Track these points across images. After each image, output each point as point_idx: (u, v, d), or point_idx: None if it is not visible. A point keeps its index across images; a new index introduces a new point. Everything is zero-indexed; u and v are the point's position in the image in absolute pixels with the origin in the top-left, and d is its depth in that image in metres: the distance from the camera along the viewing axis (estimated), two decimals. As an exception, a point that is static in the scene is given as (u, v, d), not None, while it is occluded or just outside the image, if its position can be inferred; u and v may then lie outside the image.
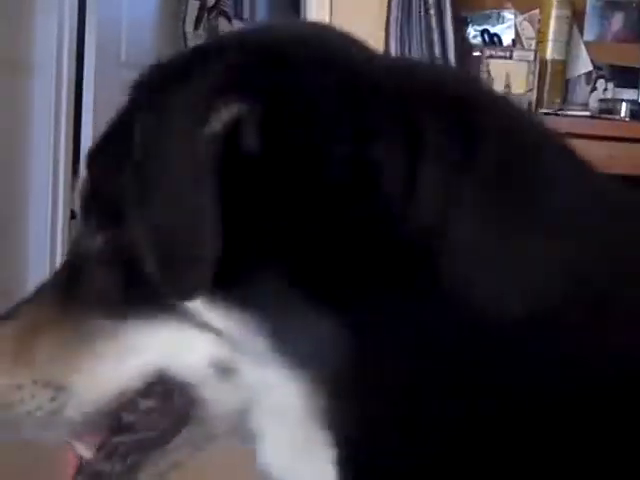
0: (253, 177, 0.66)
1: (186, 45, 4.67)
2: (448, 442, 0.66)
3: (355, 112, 0.66)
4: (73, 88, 3.90)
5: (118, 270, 0.74)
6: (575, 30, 3.32)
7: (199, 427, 0.77)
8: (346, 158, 0.65)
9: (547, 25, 3.24)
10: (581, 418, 0.64)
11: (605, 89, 3.37)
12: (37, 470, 2.21)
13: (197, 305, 0.68)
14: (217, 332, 0.69)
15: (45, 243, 3.90)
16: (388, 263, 0.65)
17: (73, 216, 3.98)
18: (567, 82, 3.35)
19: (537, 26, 3.29)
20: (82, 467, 0.82)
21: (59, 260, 3.94)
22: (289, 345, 0.67)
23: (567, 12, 3.23)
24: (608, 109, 3.13)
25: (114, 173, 0.73)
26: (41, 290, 0.82)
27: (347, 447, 0.68)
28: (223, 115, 0.64)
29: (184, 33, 4.86)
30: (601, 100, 3.28)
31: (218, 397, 0.74)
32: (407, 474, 0.67)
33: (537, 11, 3.30)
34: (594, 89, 3.37)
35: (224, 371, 0.72)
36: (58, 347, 0.78)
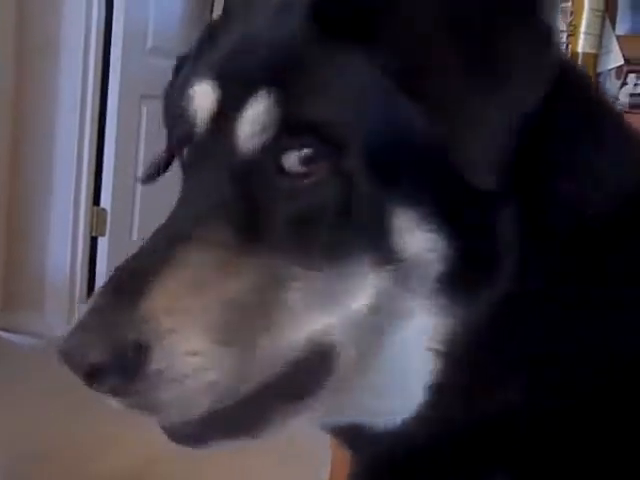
0: None
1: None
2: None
3: None
4: (100, 73, 3.91)
5: (324, 214, 0.72)
6: (607, 23, 3.27)
7: (338, 378, 0.75)
8: None
9: (579, 18, 3.19)
10: None
11: (636, 84, 3.32)
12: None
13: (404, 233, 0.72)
14: (400, 256, 0.72)
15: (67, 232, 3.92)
16: None
17: (95, 203, 3.99)
18: (597, 76, 3.31)
19: (569, 19, 3.25)
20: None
21: (80, 250, 3.96)
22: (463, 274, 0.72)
23: (600, 5, 3.18)
24: (638, 104, 3.09)
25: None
26: (210, 229, 0.73)
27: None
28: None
29: (211, 20, 4.87)
30: (632, 95, 3.23)
31: (361, 346, 0.74)
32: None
33: (569, 4, 3.26)
34: (625, 84, 3.33)
35: (370, 320, 0.73)
36: (244, 297, 0.71)
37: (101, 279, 4.01)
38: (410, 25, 0.72)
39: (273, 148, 0.74)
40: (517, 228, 0.73)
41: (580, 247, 0.74)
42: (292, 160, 0.73)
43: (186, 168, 0.83)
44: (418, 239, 0.72)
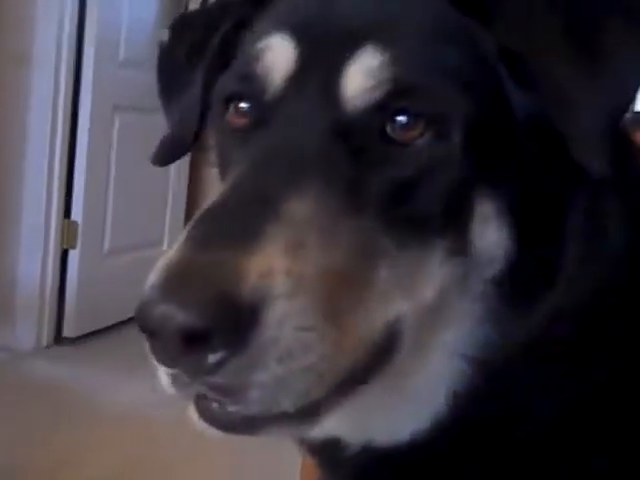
0: None
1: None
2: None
3: None
4: (71, 85, 3.89)
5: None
6: None
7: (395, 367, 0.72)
8: None
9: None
10: None
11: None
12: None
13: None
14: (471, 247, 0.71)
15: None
16: None
17: (66, 215, 3.97)
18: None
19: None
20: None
21: (51, 263, 3.93)
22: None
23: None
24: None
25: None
26: (313, 187, 0.67)
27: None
28: None
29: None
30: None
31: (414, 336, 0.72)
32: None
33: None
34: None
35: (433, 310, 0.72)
36: (346, 266, 0.64)
37: (72, 292, 3.98)
38: (524, 11, 0.71)
39: (381, 108, 0.71)
40: (584, 246, 0.72)
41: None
42: (397, 124, 0.70)
43: (256, 126, 0.76)
44: (491, 231, 0.71)
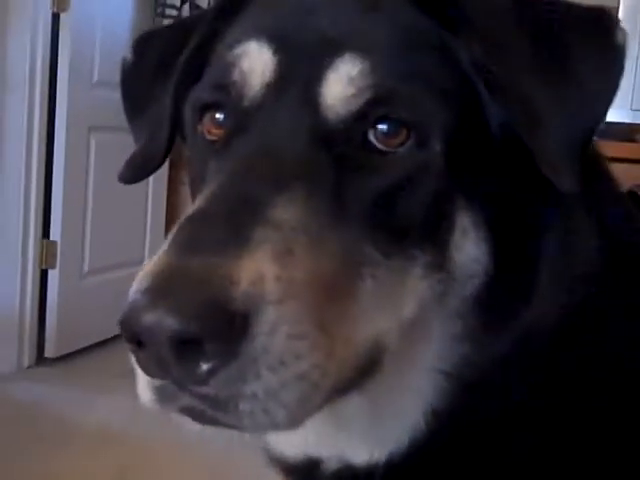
0: None
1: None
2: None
3: None
4: (46, 106, 3.89)
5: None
6: None
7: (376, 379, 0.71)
8: None
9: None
10: None
11: None
12: None
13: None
14: (450, 263, 0.71)
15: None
16: None
17: (45, 235, 3.96)
18: None
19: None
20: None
21: (30, 283, 3.91)
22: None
23: None
24: None
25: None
26: (299, 195, 0.65)
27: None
28: None
29: None
30: None
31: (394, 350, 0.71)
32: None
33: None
34: None
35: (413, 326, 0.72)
36: (333, 275, 0.63)
37: (52, 313, 3.97)
38: (492, 21, 0.71)
39: (362, 116, 0.70)
40: (558, 262, 0.72)
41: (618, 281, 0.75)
42: (379, 131, 0.70)
43: (234, 135, 0.75)
44: (470, 245, 0.70)
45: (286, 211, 0.63)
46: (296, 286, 0.59)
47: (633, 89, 3.18)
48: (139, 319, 0.55)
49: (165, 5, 4.77)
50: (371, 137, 0.70)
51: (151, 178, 2.87)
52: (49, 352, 4.01)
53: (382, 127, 0.70)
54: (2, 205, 3.86)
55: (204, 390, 0.57)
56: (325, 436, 0.75)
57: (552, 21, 0.72)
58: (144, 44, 0.95)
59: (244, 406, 0.58)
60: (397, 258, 0.68)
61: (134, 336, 0.56)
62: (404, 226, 0.69)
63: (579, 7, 0.74)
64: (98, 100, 3.96)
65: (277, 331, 0.57)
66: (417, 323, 0.72)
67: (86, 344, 4.13)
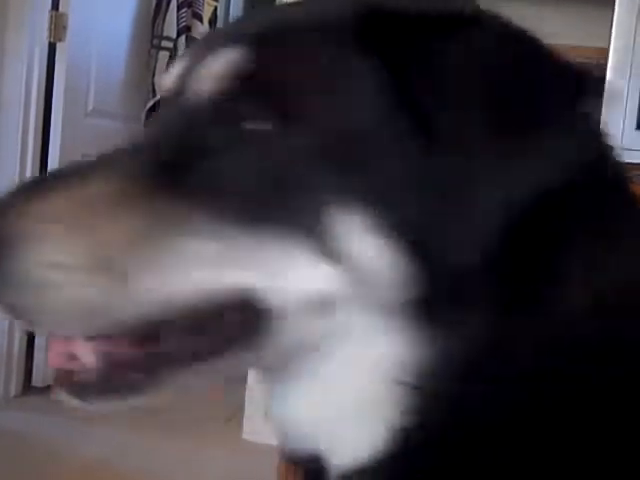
0: None
1: (154, 96, 4.68)
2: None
3: None
4: (40, 134, 3.91)
5: (279, 172, 0.68)
6: None
7: (255, 352, 0.72)
8: None
9: None
10: None
11: None
12: None
13: (342, 225, 0.68)
14: (345, 261, 0.68)
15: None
16: None
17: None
18: None
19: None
20: (82, 373, 0.73)
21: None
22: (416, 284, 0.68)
23: None
24: None
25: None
26: (126, 162, 0.71)
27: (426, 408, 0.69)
28: None
29: (152, 84, 4.90)
30: None
31: (297, 330, 0.71)
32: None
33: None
34: None
35: (319, 308, 0.70)
36: (142, 230, 0.68)
37: (41, 340, 3.91)
38: (444, 78, 0.68)
39: (230, 97, 0.71)
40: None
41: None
42: (246, 113, 0.70)
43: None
44: (368, 248, 0.68)
45: (106, 181, 0.69)
46: (71, 228, 0.66)
47: (623, 128, 3.17)
48: None
49: (161, 37, 4.82)
50: (237, 119, 0.71)
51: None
52: (37, 381, 3.98)
53: (249, 108, 0.71)
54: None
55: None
56: (318, 433, 0.75)
57: (515, 82, 0.69)
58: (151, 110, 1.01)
59: (37, 317, 0.67)
60: (251, 230, 0.69)
61: None
62: (265, 202, 0.69)
63: (552, 67, 0.71)
64: (92, 129, 3.98)
65: (32, 259, 0.65)
66: (330, 312, 0.70)
67: (74, 373, 4.10)
